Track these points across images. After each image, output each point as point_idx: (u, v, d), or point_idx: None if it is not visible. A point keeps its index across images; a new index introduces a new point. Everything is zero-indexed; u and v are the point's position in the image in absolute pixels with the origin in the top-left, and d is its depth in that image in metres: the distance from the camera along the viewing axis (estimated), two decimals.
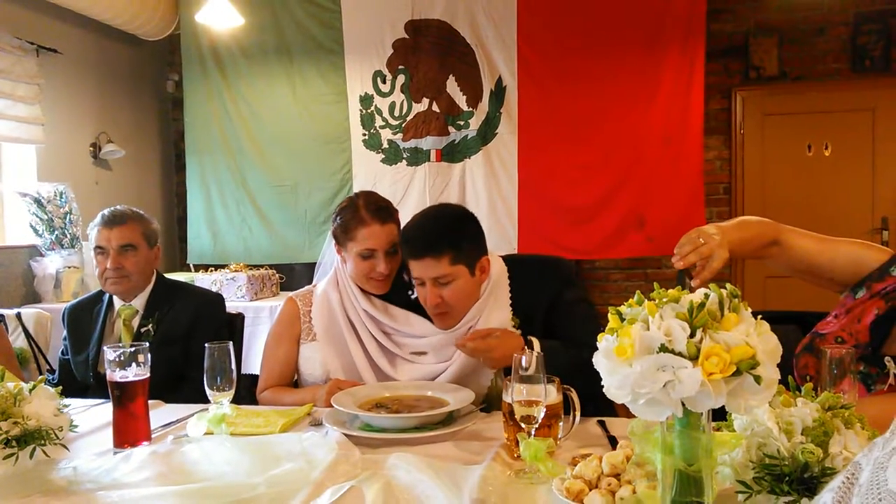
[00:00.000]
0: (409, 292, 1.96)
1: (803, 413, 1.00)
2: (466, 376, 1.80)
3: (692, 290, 0.91)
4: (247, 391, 2.09)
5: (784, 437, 0.98)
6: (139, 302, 2.21)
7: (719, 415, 0.99)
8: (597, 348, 0.93)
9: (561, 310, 1.82)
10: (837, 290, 1.64)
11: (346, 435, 1.47)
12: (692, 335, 0.87)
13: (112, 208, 2.24)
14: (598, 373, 0.93)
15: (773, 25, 4.68)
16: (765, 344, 0.88)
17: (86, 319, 2.24)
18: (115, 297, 2.22)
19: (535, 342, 1.71)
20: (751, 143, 4.81)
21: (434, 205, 2.10)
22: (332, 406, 1.60)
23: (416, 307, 1.90)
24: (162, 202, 5.40)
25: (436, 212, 1.91)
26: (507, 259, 1.91)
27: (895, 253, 1.57)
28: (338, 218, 1.91)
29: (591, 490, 1.11)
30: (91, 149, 4.68)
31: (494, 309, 1.81)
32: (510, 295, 1.84)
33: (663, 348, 0.87)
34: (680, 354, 0.86)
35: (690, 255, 1.47)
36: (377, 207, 1.88)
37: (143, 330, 2.17)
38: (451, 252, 1.72)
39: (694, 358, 0.86)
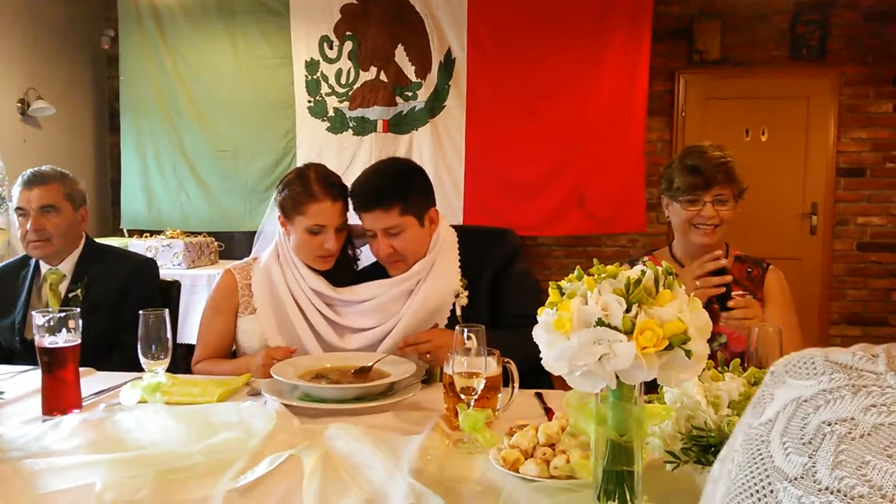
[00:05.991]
0: (355, 265, 1.96)
1: (730, 387, 1.04)
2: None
3: None
4: (182, 360, 2.04)
5: (711, 409, 1.02)
6: (67, 266, 2.13)
7: (651, 387, 1.03)
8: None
9: (507, 279, 1.88)
10: None
11: (285, 405, 1.45)
12: (628, 310, 0.89)
13: (35, 168, 2.14)
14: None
15: (717, 10, 4.77)
16: (696, 320, 0.91)
17: (11, 284, 2.14)
18: (41, 261, 2.14)
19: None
20: (692, 126, 4.92)
21: (383, 159, 2.13)
22: (269, 375, 1.58)
23: (360, 280, 1.90)
24: (95, 163, 5.18)
25: (384, 165, 1.97)
26: (458, 228, 1.96)
27: None
28: (286, 189, 1.83)
29: (526, 459, 1.13)
30: (19, 105, 4.45)
31: (442, 271, 1.85)
32: (459, 261, 1.89)
33: (600, 322, 0.89)
34: (616, 328, 0.88)
35: None
36: (329, 183, 1.83)
37: (71, 295, 2.09)
38: (400, 203, 1.78)
39: (629, 332, 0.88)
